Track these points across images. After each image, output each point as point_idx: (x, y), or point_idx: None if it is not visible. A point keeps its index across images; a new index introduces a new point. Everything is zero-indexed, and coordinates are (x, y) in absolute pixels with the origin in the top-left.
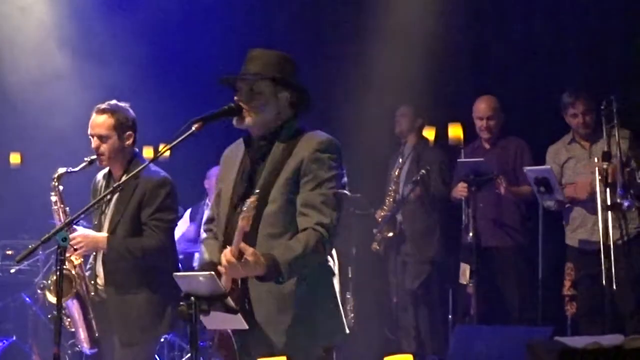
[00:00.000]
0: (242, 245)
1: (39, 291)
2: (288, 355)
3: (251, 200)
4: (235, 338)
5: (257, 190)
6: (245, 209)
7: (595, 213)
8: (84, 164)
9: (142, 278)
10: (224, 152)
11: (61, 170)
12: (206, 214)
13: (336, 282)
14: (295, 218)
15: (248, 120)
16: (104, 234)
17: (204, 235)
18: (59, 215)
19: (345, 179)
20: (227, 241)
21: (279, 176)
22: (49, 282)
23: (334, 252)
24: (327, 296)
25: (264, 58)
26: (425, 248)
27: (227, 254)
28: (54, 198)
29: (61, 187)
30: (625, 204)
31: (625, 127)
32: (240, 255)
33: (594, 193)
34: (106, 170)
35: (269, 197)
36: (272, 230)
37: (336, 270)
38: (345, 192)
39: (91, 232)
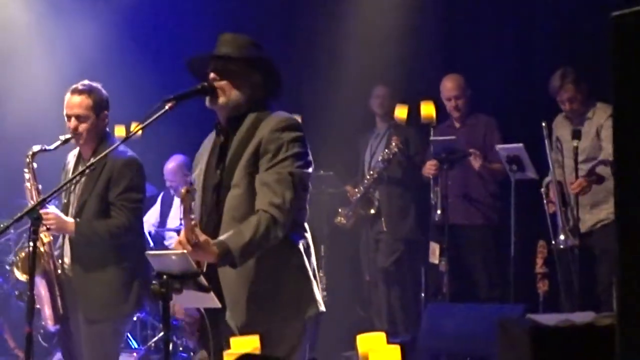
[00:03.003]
0: (195, 232)
1: (7, 267)
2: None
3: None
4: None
5: (189, 189)
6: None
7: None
8: (58, 143)
9: (109, 257)
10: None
11: (35, 147)
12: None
13: (306, 257)
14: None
15: (222, 99)
16: (71, 220)
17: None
18: (31, 192)
19: (308, 158)
20: (203, 229)
21: (241, 159)
22: (17, 258)
23: (307, 226)
24: (294, 273)
25: (236, 41)
26: (400, 227)
27: (180, 238)
28: (27, 175)
29: (35, 165)
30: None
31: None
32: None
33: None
34: (76, 150)
35: (232, 181)
36: (236, 213)
37: (310, 244)
38: (306, 171)
39: (62, 215)
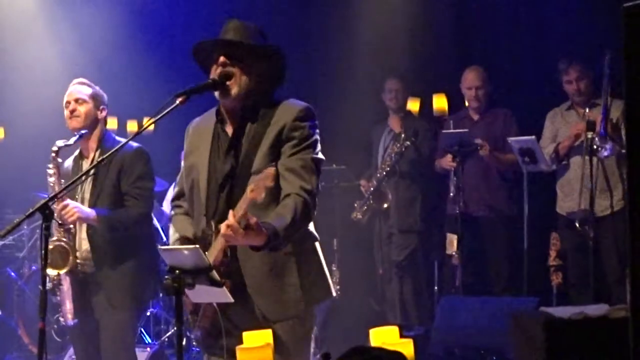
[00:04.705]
0: (247, 214)
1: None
2: (279, 322)
3: (271, 172)
4: (221, 311)
5: (273, 164)
6: (257, 179)
7: (582, 183)
8: (76, 137)
9: (129, 247)
10: (191, 124)
11: (59, 143)
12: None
13: (318, 246)
14: (280, 188)
15: (233, 91)
16: (91, 210)
17: (172, 211)
18: (53, 188)
19: (319, 145)
20: (209, 215)
21: (260, 146)
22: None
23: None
24: (314, 262)
25: (245, 29)
26: (408, 218)
27: (230, 219)
28: (51, 170)
29: (60, 160)
30: (605, 153)
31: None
32: (242, 222)
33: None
34: (75, 154)
35: (252, 168)
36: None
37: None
38: (322, 157)
39: (82, 206)
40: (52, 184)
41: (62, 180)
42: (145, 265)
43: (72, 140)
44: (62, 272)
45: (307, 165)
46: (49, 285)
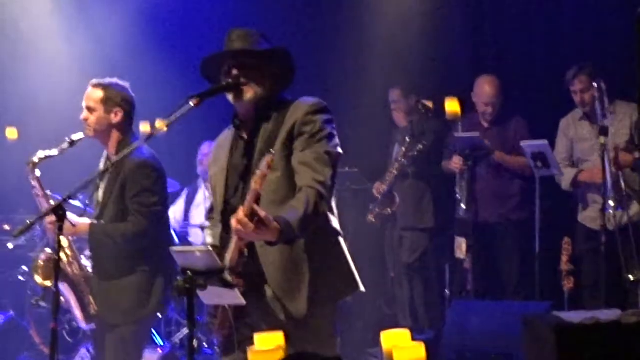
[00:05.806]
0: (255, 207)
1: (20, 277)
2: (304, 321)
3: (267, 160)
4: (241, 312)
5: (273, 151)
6: (259, 170)
7: (601, 195)
8: (65, 145)
9: (126, 263)
10: (215, 141)
11: (39, 155)
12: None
13: (342, 240)
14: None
15: (248, 96)
16: (86, 222)
17: (206, 223)
18: (41, 201)
19: (337, 139)
20: (227, 216)
21: (274, 144)
22: (35, 264)
23: (335, 211)
24: (336, 257)
25: (249, 36)
26: (417, 215)
27: (239, 213)
28: (33, 183)
29: (38, 173)
30: None
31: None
32: (252, 216)
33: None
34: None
35: None
36: (275, 197)
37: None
38: (339, 151)
39: (74, 218)
40: (38, 197)
41: (49, 192)
42: (146, 280)
43: (55, 151)
44: (49, 284)
45: (320, 157)
46: (38, 295)
